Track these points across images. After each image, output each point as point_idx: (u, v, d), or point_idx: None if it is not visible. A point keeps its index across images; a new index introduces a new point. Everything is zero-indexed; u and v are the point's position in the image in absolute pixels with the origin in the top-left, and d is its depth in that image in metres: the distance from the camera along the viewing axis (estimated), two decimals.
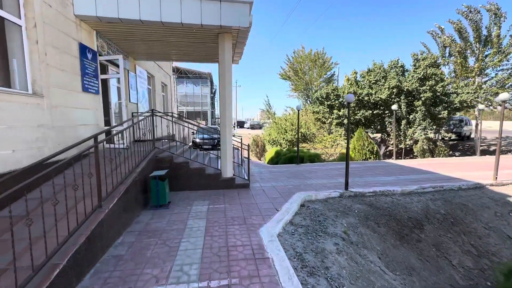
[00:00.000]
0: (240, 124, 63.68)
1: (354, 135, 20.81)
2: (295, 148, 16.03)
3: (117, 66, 6.75)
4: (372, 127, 18.05)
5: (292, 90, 40.57)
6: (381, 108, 15.67)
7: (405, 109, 14.44)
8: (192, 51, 7.29)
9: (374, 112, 15.87)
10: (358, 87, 16.67)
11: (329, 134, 20.38)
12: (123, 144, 5.80)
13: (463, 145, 18.67)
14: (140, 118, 5.43)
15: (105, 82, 6.59)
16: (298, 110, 9.72)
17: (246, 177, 6.58)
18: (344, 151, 13.90)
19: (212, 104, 63.70)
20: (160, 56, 7.72)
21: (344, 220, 4.59)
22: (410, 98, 14.54)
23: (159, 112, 6.66)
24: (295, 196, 5.43)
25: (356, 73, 17.85)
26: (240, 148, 7.31)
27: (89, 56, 5.19)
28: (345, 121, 17.14)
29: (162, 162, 5.73)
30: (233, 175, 6.32)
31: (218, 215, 4.37)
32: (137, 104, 7.87)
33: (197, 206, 4.84)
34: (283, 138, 17.39)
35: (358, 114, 16.24)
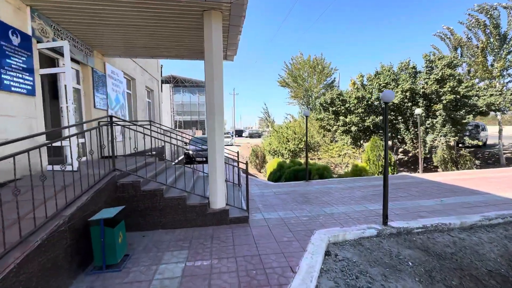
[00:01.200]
0: (239, 133, 62.17)
1: (361, 143, 19.27)
2: (300, 160, 14.40)
3: (74, 60, 5.17)
4: (381, 133, 16.57)
5: (291, 97, 39.32)
6: (393, 113, 14.16)
7: (423, 114, 12.92)
8: (174, 43, 5.75)
9: None
10: (366, 91, 15.22)
11: (331, 142, 18.85)
12: (72, 164, 4.14)
13: (481, 152, 17.13)
14: (97, 127, 3.80)
15: (54, 82, 4.99)
16: (306, 117, 8.14)
17: (244, 206, 4.91)
18: (357, 162, 12.29)
19: None
20: (134, 51, 6.18)
21: (399, 284, 2.91)
22: (425, 101, 13.06)
23: (120, 120, 5.04)
24: (316, 238, 3.75)
25: (362, 76, 16.45)
26: (237, 162, 5.68)
27: (15, 40, 3.61)
28: (353, 128, 15.62)
29: (123, 191, 4.05)
30: (226, 204, 4.65)
31: (198, 285, 2.69)
32: (106, 110, 6.26)
33: (168, 263, 3.13)
34: (285, 148, 15.77)
35: (368, 121, 14.72)
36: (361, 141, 18.86)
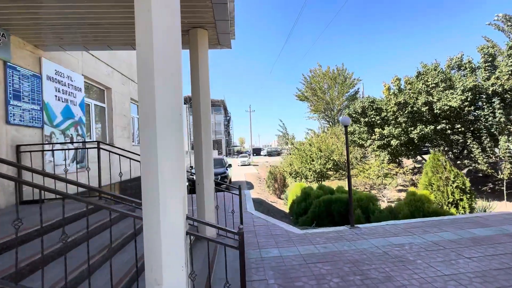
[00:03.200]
0: (257, 152, 59.88)
1: (400, 160, 15.93)
2: (329, 183, 11.56)
3: None
4: (430, 146, 13.32)
5: (311, 111, 36.73)
6: (450, 120, 11.06)
7: (500, 117, 9.70)
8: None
9: (438, 127, 11.24)
10: (407, 96, 12.32)
11: (361, 159, 15.76)
12: None
13: None
14: None
15: None
16: (345, 126, 5.48)
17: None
18: (413, 189, 9.22)
19: (227, 132, 61.12)
20: (79, 38, 4.13)
21: None
22: (500, 102, 9.90)
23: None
24: None
25: (399, 79, 13.63)
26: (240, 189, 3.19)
27: None
28: (393, 141, 12.59)
29: None
30: None
31: None
32: (41, 128, 4.15)
33: None
34: (310, 169, 13.00)
35: (414, 132, 11.68)
36: (401, 158, 15.62)
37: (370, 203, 7.29)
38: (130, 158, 4.33)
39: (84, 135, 5.19)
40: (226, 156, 45.26)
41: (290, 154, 14.94)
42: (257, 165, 32.21)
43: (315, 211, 7.87)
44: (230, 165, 13.87)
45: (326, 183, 15.80)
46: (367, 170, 12.47)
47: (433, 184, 7.74)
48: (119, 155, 4.34)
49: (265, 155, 56.05)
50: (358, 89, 34.16)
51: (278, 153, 52.43)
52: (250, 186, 14.57)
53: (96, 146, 4.05)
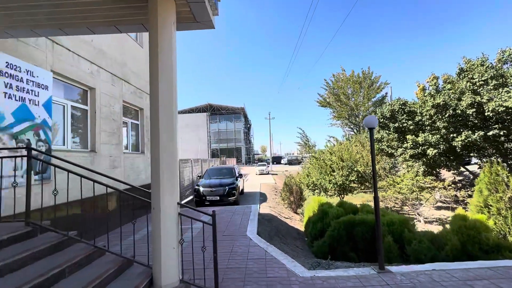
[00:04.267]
0: (277, 160, 58.33)
1: (438, 171, 13.71)
2: (351, 200, 9.95)
3: None
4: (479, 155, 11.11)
5: (334, 118, 34.70)
6: (505, 124, 9.01)
7: None
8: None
9: (489, 133, 9.22)
10: (447, 97, 10.42)
11: (390, 170, 13.80)
12: None
13: None
14: None
15: None
16: (370, 129, 4.05)
17: None
18: (461, 211, 7.41)
19: (246, 140, 60.45)
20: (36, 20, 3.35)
21: None
22: None
23: None
24: None
25: (436, 78, 11.75)
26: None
27: None
28: (429, 150, 10.65)
29: None
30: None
31: None
32: None
33: None
34: (329, 181, 11.45)
35: (458, 139, 9.73)
36: (439, 169, 13.42)
37: (405, 228, 5.70)
38: (82, 176, 3.35)
39: (49, 141, 4.40)
40: (246, 164, 44.34)
41: (309, 164, 13.47)
42: (276, 174, 30.76)
43: (334, 235, 6.42)
44: (241, 175, 12.74)
45: (349, 198, 14.04)
46: (398, 184, 10.63)
47: (491, 206, 5.94)
48: (62, 168, 3.38)
49: (285, 164, 54.29)
50: (386, 93, 31.63)
51: (299, 162, 50.42)
52: (263, 198, 13.30)
53: (25, 154, 3.12)
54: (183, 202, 11.81)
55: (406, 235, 5.51)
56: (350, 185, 11.45)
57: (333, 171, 11.79)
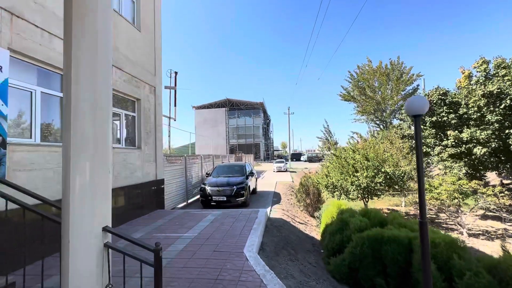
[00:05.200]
0: (296, 157, 56.58)
1: (483, 174, 11.65)
2: (376, 204, 8.56)
3: None
4: None
5: (358, 113, 32.30)
6: None
7: None
8: None
9: None
10: (502, 84, 8.49)
11: (427, 169, 11.88)
12: None
13: None
14: None
15: None
16: (416, 117, 2.74)
17: None
18: None
19: (266, 136, 59.23)
20: None
21: None
22: None
23: None
24: None
25: (486, 62, 9.75)
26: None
27: None
28: (477, 149, 8.83)
29: None
30: None
31: None
32: None
33: None
34: (352, 183, 10.04)
35: None
36: (485, 171, 11.37)
37: (453, 253, 4.30)
38: None
39: (3, 133, 3.65)
40: (264, 160, 43.26)
41: (328, 163, 12.08)
42: (295, 172, 29.40)
43: (355, 253, 5.18)
44: (252, 173, 11.71)
45: (373, 202, 12.51)
46: (436, 188, 8.95)
47: None
48: None
49: (305, 161, 52.49)
50: (417, 86, 28.77)
51: (320, 159, 48.36)
52: (277, 199, 12.18)
53: None
54: (189, 201, 11.09)
55: (455, 263, 4.13)
56: (376, 187, 9.96)
57: (356, 171, 10.35)
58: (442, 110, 9.72)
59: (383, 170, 9.56)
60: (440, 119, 9.80)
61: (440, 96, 9.72)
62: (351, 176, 10.15)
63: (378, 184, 9.80)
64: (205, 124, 49.51)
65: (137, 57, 7.31)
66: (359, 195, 10.18)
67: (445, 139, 9.64)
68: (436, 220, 10.64)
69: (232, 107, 52.30)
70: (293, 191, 16.06)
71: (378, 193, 10.21)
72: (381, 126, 28.85)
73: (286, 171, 29.77)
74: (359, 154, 10.44)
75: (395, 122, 29.65)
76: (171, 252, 4.25)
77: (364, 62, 30.70)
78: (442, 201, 8.49)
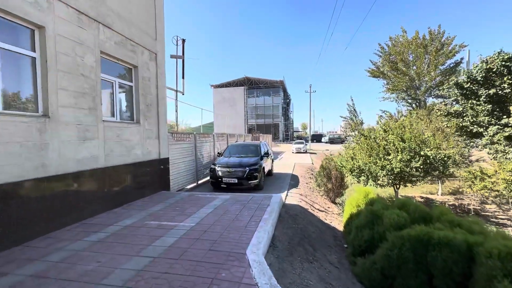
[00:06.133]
0: (317, 138, 54.46)
1: None
2: (409, 191, 7.27)
3: None
4: None
5: (387, 90, 29.38)
6: None
7: None
8: None
9: None
10: None
11: (468, 157, 10.25)
12: None
13: None
14: None
15: None
16: None
17: None
18: None
19: (285, 116, 57.22)
20: None
21: None
22: None
23: None
24: None
25: None
26: None
27: None
28: None
29: None
30: None
31: None
32: None
33: None
34: (382, 167, 8.68)
35: None
36: None
37: None
38: None
39: None
40: (283, 141, 41.91)
41: (353, 144, 10.66)
42: (315, 154, 27.98)
43: (391, 257, 4.07)
44: (268, 154, 10.67)
45: (404, 190, 11.09)
46: (489, 177, 7.33)
47: None
48: None
49: (326, 142, 50.44)
50: (461, 59, 25.14)
51: (342, 141, 45.98)
52: (295, 182, 11.16)
53: None
54: (200, 182, 10.40)
55: None
56: (411, 173, 8.52)
57: (388, 154, 8.90)
58: (504, 80, 7.78)
59: (422, 153, 8.04)
60: (500, 92, 7.90)
61: (504, 63, 7.74)
62: (382, 160, 8.75)
63: (414, 170, 8.35)
64: (224, 103, 48.58)
65: (133, 16, 6.25)
66: (390, 181, 8.82)
67: (504, 117, 7.80)
68: (483, 213, 9.06)
69: (251, 85, 50.56)
70: (312, 174, 14.91)
71: (413, 179, 8.77)
72: (414, 105, 26.06)
73: (305, 152, 28.44)
74: (392, 134, 8.92)
75: (430, 101, 26.62)
76: (156, 248, 3.42)
77: (398, 33, 27.20)
78: (499, 192, 6.93)
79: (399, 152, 8.36)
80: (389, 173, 8.38)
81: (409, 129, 8.85)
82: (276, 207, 5.50)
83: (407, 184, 9.02)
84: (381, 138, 9.30)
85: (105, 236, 3.87)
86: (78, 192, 4.59)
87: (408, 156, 8.27)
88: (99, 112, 5.14)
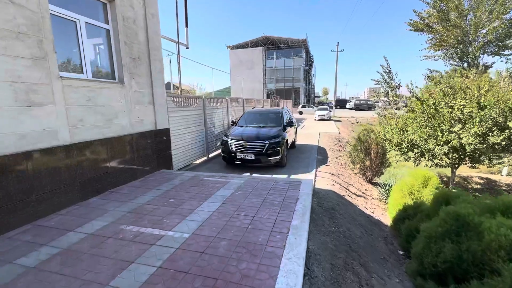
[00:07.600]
0: (341, 104, 50.57)
1: None
2: (470, 173, 5.33)
3: None
4: None
5: (432, 47, 24.86)
6: None
7: None
8: None
9: None
10: None
11: None
12: None
13: None
14: None
15: None
16: None
17: None
18: None
19: (307, 79, 52.90)
20: None
21: None
22: None
23: None
24: None
25: None
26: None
27: None
28: None
29: None
30: None
31: None
32: None
33: None
34: (446, 142, 6.58)
35: None
36: None
37: None
38: None
39: None
40: (305, 107, 39.10)
41: (409, 107, 8.37)
42: (339, 121, 25.48)
43: None
44: (291, 123, 8.84)
45: (460, 169, 9.08)
46: None
47: None
48: None
49: (351, 109, 46.83)
50: None
51: (369, 107, 42.17)
52: (323, 157, 9.41)
53: None
54: (211, 156, 8.95)
55: None
56: (484, 152, 6.38)
57: (452, 125, 6.69)
58: None
59: (511, 124, 5.79)
60: None
61: None
62: (445, 133, 6.59)
63: (492, 147, 6.19)
64: (241, 66, 45.41)
65: None
66: (453, 160, 6.77)
67: None
68: None
69: (271, 46, 46.33)
70: (341, 145, 12.97)
71: (488, 159, 6.66)
72: (466, 64, 21.97)
73: (329, 119, 26.01)
74: (464, 99, 6.59)
75: (485, 59, 22.18)
76: None
77: None
78: None
79: (474, 123, 6.13)
80: (458, 153, 6.29)
81: (491, 91, 6.42)
82: (308, 204, 3.85)
83: (475, 165, 6.92)
84: (443, 104, 6.99)
85: (47, 258, 2.48)
86: (26, 181, 3.20)
87: (485, 129, 6.06)
88: (52, 65, 3.48)
